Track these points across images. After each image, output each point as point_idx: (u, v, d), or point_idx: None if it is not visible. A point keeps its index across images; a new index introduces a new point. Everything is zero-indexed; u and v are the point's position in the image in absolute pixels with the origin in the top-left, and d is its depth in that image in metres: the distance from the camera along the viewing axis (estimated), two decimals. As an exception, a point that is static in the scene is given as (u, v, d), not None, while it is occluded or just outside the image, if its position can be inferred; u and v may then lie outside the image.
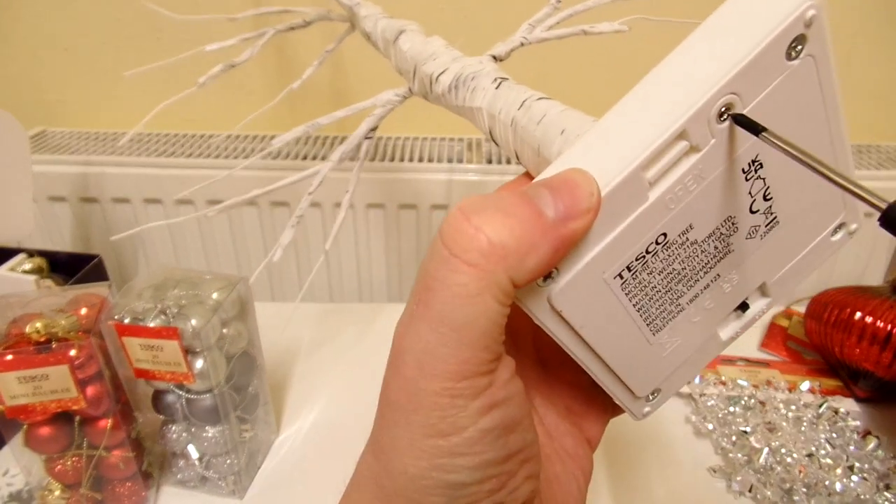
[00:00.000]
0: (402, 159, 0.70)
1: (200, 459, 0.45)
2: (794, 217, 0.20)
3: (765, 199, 0.19)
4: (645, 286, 0.19)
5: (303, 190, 0.45)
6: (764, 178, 0.18)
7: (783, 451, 0.47)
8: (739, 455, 0.48)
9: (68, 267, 0.56)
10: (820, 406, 0.52)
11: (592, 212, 0.16)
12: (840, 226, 0.21)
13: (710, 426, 0.51)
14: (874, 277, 0.73)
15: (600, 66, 0.72)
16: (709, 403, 0.53)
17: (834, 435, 0.49)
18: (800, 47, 0.17)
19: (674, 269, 0.19)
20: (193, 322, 0.41)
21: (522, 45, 0.39)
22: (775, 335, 0.64)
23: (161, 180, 0.68)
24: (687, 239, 0.18)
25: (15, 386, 0.39)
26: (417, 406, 0.16)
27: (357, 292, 0.76)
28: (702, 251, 0.19)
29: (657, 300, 0.19)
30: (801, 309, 0.65)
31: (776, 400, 0.53)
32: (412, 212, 0.70)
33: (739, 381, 0.55)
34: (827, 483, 0.45)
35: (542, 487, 0.20)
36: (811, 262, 0.21)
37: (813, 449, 0.47)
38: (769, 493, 0.45)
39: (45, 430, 0.42)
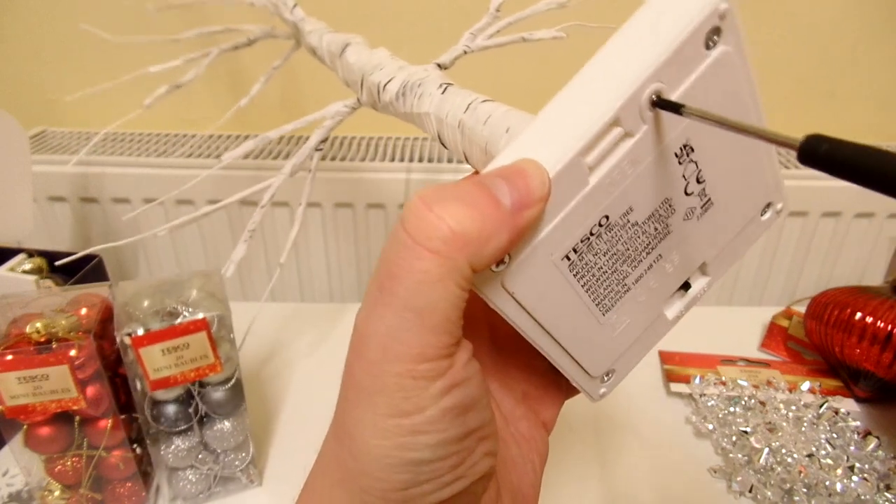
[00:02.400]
0: (402, 160, 0.70)
1: (216, 459, 0.45)
2: (726, 198, 0.21)
3: (698, 181, 0.20)
4: (591, 267, 0.20)
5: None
6: (696, 162, 0.20)
7: (783, 451, 0.47)
8: (740, 455, 0.48)
9: (68, 267, 0.56)
10: (820, 406, 0.52)
11: (544, 199, 0.17)
12: (768, 205, 0.23)
13: (711, 426, 0.51)
14: (874, 277, 0.73)
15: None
16: (709, 404, 0.53)
17: (834, 435, 0.49)
18: (716, 38, 0.18)
19: (617, 251, 0.20)
20: (215, 312, 0.41)
21: (465, 53, 0.40)
22: (775, 335, 0.64)
23: (161, 180, 0.68)
24: (628, 221, 0.19)
25: (15, 386, 0.39)
26: (381, 388, 0.17)
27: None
28: (643, 232, 0.20)
29: (604, 281, 0.20)
30: (801, 309, 0.65)
31: (776, 400, 0.53)
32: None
33: (740, 382, 0.55)
34: (827, 483, 0.45)
35: (499, 470, 0.21)
36: (745, 240, 0.23)
37: (813, 449, 0.47)
38: (769, 493, 0.45)
39: (44, 431, 0.41)
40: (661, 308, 0.22)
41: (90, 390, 0.41)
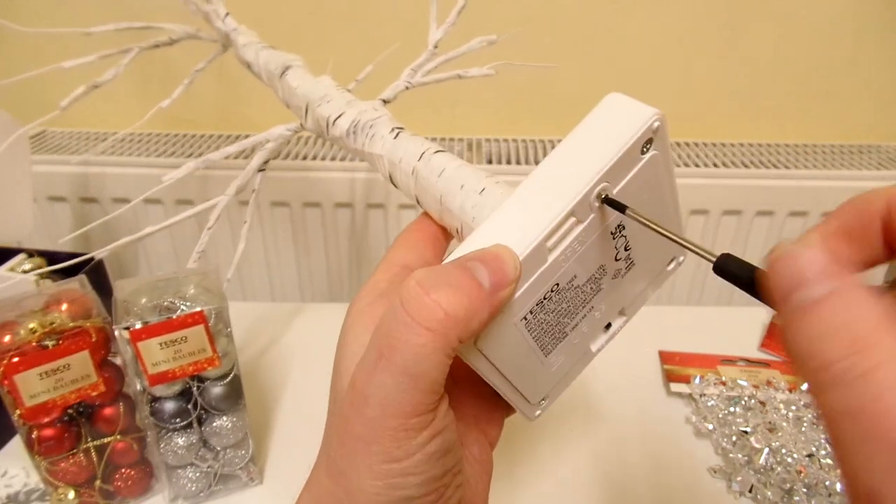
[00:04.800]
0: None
1: (216, 456, 0.45)
2: (644, 259, 0.26)
3: (625, 249, 0.25)
4: (542, 323, 0.24)
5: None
6: (625, 236, 0.25)
7: (783, 451, 0.47)
8: (740, 455, 0.48)
9: (68, 267, 0.56)
10: (820, 406, 0.52)
11: (517, 280, 0.21)
12: (672, 259, 0.28)
13: (711, 426, 0.51)
14: (874, 277, 0.73)
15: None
16: (709, 404, 0.53)
17: (834, 435, 0.49)
18: (649, 146, 0.23)
19: (562, 308, 0.24)
20: (212, 306, 0.42)
21: (407, 88, 0.43)
22: (776, 335, 0.64)
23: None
24: (572, 285, 0.24)
25: (36, 383, 0.39)
26: (378, 438, 0.20)
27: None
28: (582, 292, 0.25)
29: (549, 332, 0.25)
30: (801, 309, 0.65)
31: (776, 400, 0.53)
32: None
33: (740, 382, 0.55)
34: (827, 483, 0.45)
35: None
36: (654, 286, 0.28)
37: (813, 449, 0.47)
38: (769, 493, 0.45)
39: (49, 432, 0.42)
40: (589, 345, 0.27)
41: (104, 374, 0.42)
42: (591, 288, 0.25)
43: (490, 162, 0.69)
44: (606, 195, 0.22)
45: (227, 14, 0.47)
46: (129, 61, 0.49)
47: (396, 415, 0.20)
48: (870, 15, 0.69)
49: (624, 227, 0.24)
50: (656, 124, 0.23)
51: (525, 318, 0.23)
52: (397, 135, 0.32)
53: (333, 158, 0.69)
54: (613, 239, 0.24)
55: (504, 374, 0.24)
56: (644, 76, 0.73)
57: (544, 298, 0.23)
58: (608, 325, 0.27)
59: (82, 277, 0.46)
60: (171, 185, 0.68)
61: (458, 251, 0.22)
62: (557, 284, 0.23)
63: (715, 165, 0.69)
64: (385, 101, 0.40)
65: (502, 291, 0.21)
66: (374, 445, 0.20)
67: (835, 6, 0.68)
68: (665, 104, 0.81)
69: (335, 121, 0.35)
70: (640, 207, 0.24)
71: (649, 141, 0.23)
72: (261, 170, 0.46)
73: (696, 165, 0.69)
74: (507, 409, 0.28)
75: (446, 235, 0.30)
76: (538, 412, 0.27)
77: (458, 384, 0.27)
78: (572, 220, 0.22)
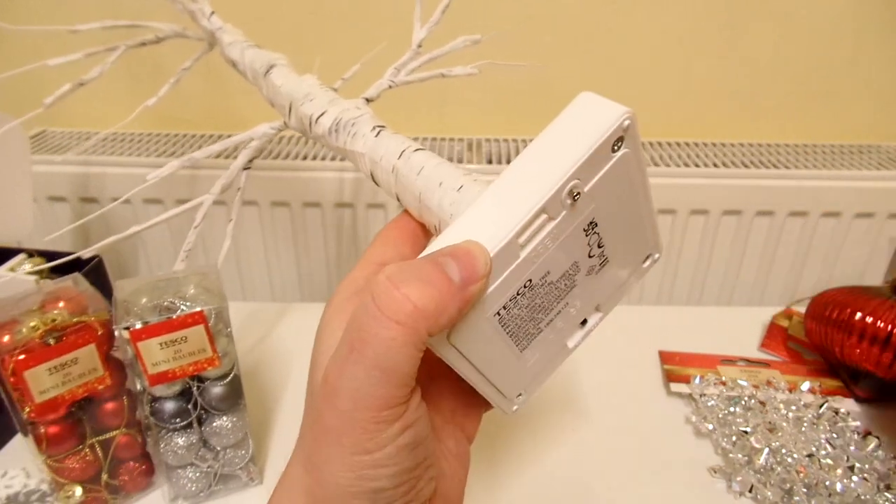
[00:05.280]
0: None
1: (216, 456, 0.45)
2: (618, 256, 0.27)
3: (598, 246, 0.25)
4: (515, 319, 0.24)
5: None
6: (598, 233, 0.25)
7: (783, 451, 0.47)
8: (739, 455, 0.48)
9: (68, 267, 0.56)
10: (820, 406, 0.52)
11: (486, 276, 0.22)
12: (648, 256, 0.29)
13: (710, 426, 0.51)
14: (874, 277, 0.73)
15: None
16: (709, 404, 0.53)
17: (834, 435, 0.49)
18: (620, 143, 0.23)
19: (536, 304, 0.25)
20: (212, 306, 0.42)
21: (391, 87, 0.43)
22: (775, 335, 0.64)
23: (161, 180, 0.68)
24: (545, 281, 0.24)
25: (46, 379, 0.39)
26: (350, 431, 0.21)
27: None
28: (556, 288, 0.25)
29: (523, 327, 0.25)
30: (801, 309, 0.65)
31: (776, 400, 0.53)
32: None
33: (740, 382, 0.55)
34: (827, 483, 0.45)
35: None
36: (630, 283, 0.29)
37: (813, 449, 0.47)
38: (769, 493, 0.45)
39: (55, 429, 0.42)
40: (565, 341, 0.27)
41: (109, 367, 0.42)
42: (565, 284, 0.25)
43: (490, 162, 0.69)
44: (578, 192, 0.23)
45: (213, 13, 0.46)
46: (115, 59, 0.49)
47: (368, 408, 0.20)
48: (870, 15, 0.69)
49: (597, 224, 0.25)
50: (626, 122, 0.23)
51: (498, 314, 0.24)
52: (378, 133, 0.32)
53: (333, 158, 0.69)
54: (586, 235, 0.25)
55: (479, 370, 0.24)
56: (644, 76, 0.73)
57: (517, 294, 0.24)
58: (584, 321, 0.28)
59: (76, 276, 0.46)
60: (171, 185, 0.68)
61: (431, 247, 0.23)
62: (530, 280, 0.24)
63: (715, 165, 0.69)
64: (368, 100, 0.40)
65: (472, 286, 0.21)
66: (345, 437, 0.21)
67: (835, 6, 0.68)
68: (665, 104, 0.81)
69: (318, 119, 0.35)
70: (611, 205, 0.24)
71: (620, 139, 0.23)
72: (245, 168, 0.45)
73: (696, 165, 0.69)
74: (485, 404, 0.28)
75: (426, 233, 0.30)
76: (515, 407, 0.27)
77: (434, 379, 0.27)
78: (544, 216, 0.23)
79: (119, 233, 0.45)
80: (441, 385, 0.27)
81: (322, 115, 0.35)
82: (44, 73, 0.74)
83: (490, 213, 0.23)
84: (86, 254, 0.45)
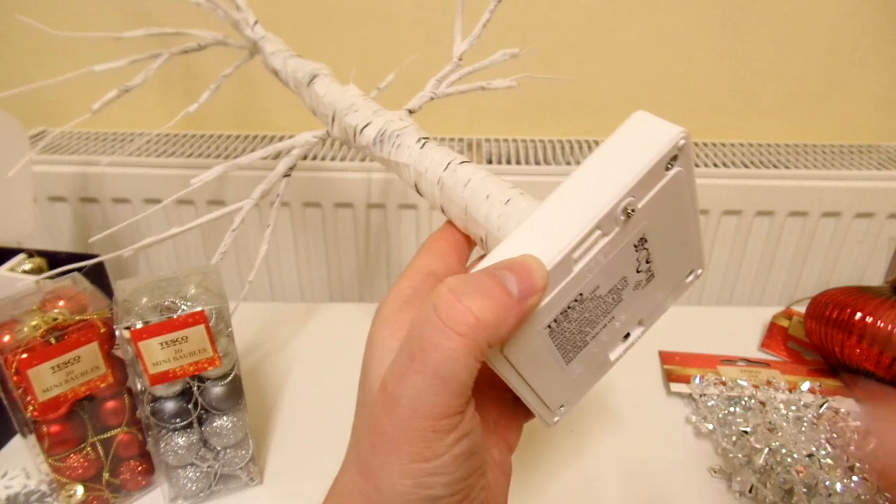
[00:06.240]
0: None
1: (216, 456, 0.45)
2: (664, 271, 0.27)
3: (647, 262, 0.26)
4: (564, 332, 0.25)
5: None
6: (647, 249, 0.25)
7: (783, 451, 0.47)
8: (739, 455, 0.48)
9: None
10: (820, 406, 0.52)
11: (544, 289, 0.22)
12: (691, 271, 0.29)
13: (711, 426, 0.51)
14: (874, 277, 0.73)
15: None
16: (709, 404, 0.53)
17: (834, 435, 0.49)
18: (673, 162, 0.24)
19: (584, 318, 0.25)
20: (212, 306, 0.42)
21: (432, 99, 0.44)
22: (776, 335, 0.64)
23: (161, 180, 0.68)
24: (595, 295, 0.25)
25: (48, 378, 0.40)
26: (409, 438, 0.21)
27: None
28: (604, 302, 0.25)
29: (571, 340, 0.25)
30: (801, 309, 0.65)
31: (776, 400, 0.53)
32: (412, 211, 0.70)
33: (740, 382, 0.55)
34: (827, 483, 0.45)
35: None
36: (673, 297, 0.29)
37: (813, 449, 0.47)
38: (769, 493, 0.45)
39: (57, 428, 0.42)
40: (608, 354, 0.28)
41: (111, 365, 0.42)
42: (613, 298, 0.26)
43: (490, 162, 0.69)
44: (632, 209, 0.23)
45: (257, 22, 0.47)
46: (158, 66, 0.50)
47: (427, 416, 0.21)
48: (870, 15, 0.69)
49: (647, 241, 0.25)
50: (682, 142, 0.23)
51: (549, 327, 0.24)
52: (423, 144, 0.33)
53: (333, 159, 0.69)
54: (636, 251, 0.25)
55: (527, 381, 0.25)
56: (644, 76, 0.73)
57: (568, 308, 0.24)
58: (627, 335, 0.28)
59: (75, 275, 0.46)
60: (172, 184, 0.68)
61: (487, 260, 0.23)
62: (581, 294, 0.24)
63: (715, 165, 0.69)
64: (411, 111, 0.41)
65: (530, 299, 0.22)
66: (404, 445, 0.21)
67: (835, 6, 0.68)
68: (665, 104, 0.81)
69: (362, 130, 0.36)
70: (662, 222, 0.25)
71: (674, 158, 0.24)
72: (286, 175, 0.46)
73: (697, 165, 0.69)
74: (527, 414, 0.28)
75: (470, 244, 0.31)
76: (556, 418, 0.28)
77: (479, 389, 0.27)
78: (598, 232, 0.23)
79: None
80: (485, 395, 0.27)
81: (367, 125, 0.36)
82: (43, 72, 0.74)
83: (545, 229, 0.23)
84: (125, 253, 0.45)
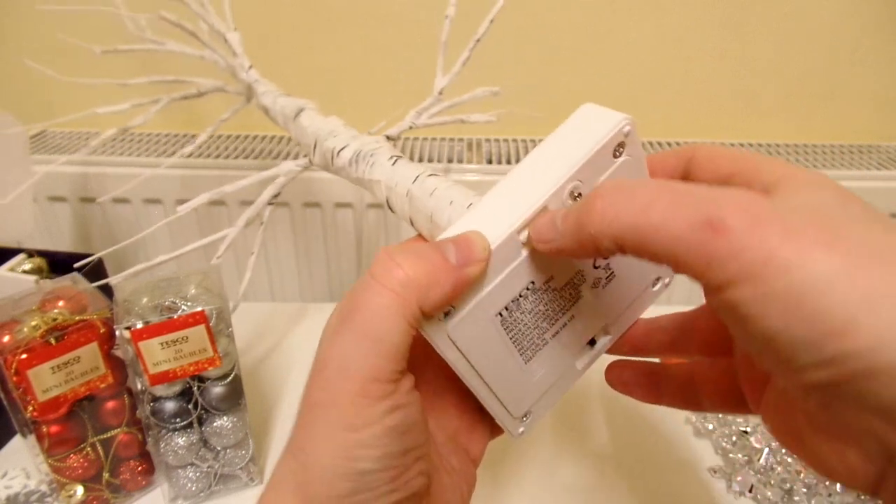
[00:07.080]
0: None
1: (216, 456, 0.45)
2: (625, 272, 0.26)
3: (604, 258, 0.25)
4: (518, 323, 0.24)
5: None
6: None
7: (783, 451, 0.47)
8: (740, 455, 0.48)
9: (68, 267, 0.56)
10: (820, 406, 0.52)
11: (484, 261, 0.22)
12: (657, 279, 0.28)
13: (710, 426, 0.51)
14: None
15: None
16: (709, 403, 0.53)
17: (834, 435, 0.49)
18: (621, 149, 0.24)
19: (539, 310, 0.25)
20: (212, 306, 0.42)
21: (411, 128, 0.45)
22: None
23: (161, 180, 0.68)
24: (549, 286, 0.24)
25: (48, 378, 0.40)
26: (335, 402, 0.20)
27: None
28: (560, 296, 0.25)
29: (527, 334, 0.25)
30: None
31: (776, 400, 0.53)
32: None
33: (740, 382, 0.55)
34: (827, 483, 0.45)
35: (433, 493, 0.24)
36: (638, 307, 0.28)
37: (813, 449, 0.47)
38: (769, 493, 0.45)
39: (57, 429, 0.42)
40: (573, 360, 0.27)
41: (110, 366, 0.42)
42: (570, 294, 0.25)
43: (490, 162, 0.69)
44: (579, 192, 0.23)
45: (251, 67, 0.50)
46: (158, 110, 0.52)
47: (355, 378, 0.20)
48: (870, 15, 0.69)
49: None
50: (627, 128, 0.24)
51: (500, 315, 0.24)
52: (395, 161, 0.33)
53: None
54: None
55: (480, 374, 0.24)
56: (644, 76, 0.73)
57: (520, 296, 0.24)
58: (592, 342, 0.27)
59: (75, 275, 0.46)
60: (172, 184, 0.68)
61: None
62: (533, 283, 0.24)
63: (715, 165, 0.69)
64: (389, 138, 0.42)
65: (468, 268, 0.21)
66: (332, 410, 0.20)
67: (835, 6, 0.68)
68: (665, 104, 0.81)
69: (339, 152, 0.37)
70: None
71: (622, 145, 0.24)
72: (270, 203, 0.47)
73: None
74: (491, 429, 0.28)
75: None
76: (521, 429, 0.27)
77: (439, 395, 0.27)
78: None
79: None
80: (446, 401, 0.27)
81: (343, 148, 0.37)
82: (43, 73, 0.75)
83: (493, 211, 0.23)
84: (112, 281, 0.46)
